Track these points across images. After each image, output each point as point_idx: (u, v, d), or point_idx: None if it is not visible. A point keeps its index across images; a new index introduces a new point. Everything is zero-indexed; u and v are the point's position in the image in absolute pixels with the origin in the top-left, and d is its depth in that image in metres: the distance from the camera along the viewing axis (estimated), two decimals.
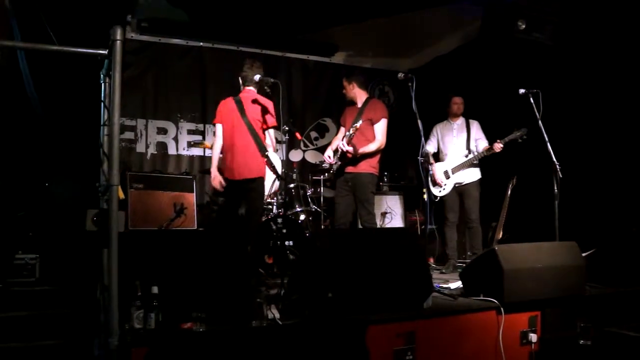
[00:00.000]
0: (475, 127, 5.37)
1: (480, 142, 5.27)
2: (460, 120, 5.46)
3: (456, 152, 5.38)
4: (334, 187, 5.44)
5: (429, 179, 5.43)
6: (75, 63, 5.06)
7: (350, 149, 4.79)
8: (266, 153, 4.54)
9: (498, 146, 5.02)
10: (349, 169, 4.93)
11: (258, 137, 4.52)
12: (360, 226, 5.07)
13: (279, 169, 4.80)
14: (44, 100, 5.37)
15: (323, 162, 6.84)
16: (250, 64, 4.64)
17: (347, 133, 4.84)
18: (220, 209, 4.85)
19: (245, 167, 4.46)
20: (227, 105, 4.61)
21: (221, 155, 4.61)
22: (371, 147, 4.86)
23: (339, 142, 4.91)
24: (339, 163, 4.98)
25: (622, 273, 4.18)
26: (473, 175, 5.29)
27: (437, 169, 5.39)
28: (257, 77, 5.02)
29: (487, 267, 3.58)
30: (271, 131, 4.60)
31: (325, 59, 7.49)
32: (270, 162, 4.64)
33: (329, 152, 5.13)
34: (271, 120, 4.57)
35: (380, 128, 4.92)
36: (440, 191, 5.34)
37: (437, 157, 5.54)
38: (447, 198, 5.35)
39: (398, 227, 6.40)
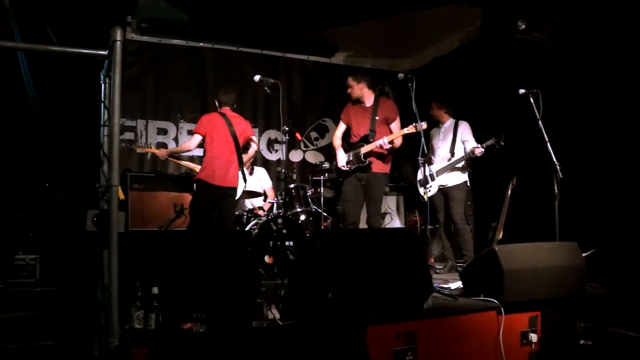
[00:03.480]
0: (462, 128, 5.37)
1: (467, 144, 5.26)
2: (449, 123, 5.48)
3: (441, 155, 5.44)
4: (335, 187, 5.42)
5: (416, 179, 5.53)
6: (75, 64, 5.08)
7: (388, 145, 4.80)
8: (242, 167, 5.08)
9: (478, 151, 5.05)
10: (363, 170, 4.94)
11: (240, 151, 5.03)
12: (365, 226, 5.07)
13: (243, 185, 5.21)
14: (44, 101, 5.38)
15: (323, 162, 6.89)
16: (224, 90, 5.18)
17: (369, 135, 4.90)
18: (194, 210, 4.99)
19: (227, 176, 4.92)
20: (214, 119, 5.01)
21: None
22: (397, 146, 4.92)
23: (380, 141, 4.80)
24: (357, 165, 4.95)
25: (622, 273, 4.18)
26: (457, 178, 5.32)
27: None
28: (257, 77, 5.09)
29: (487, 268, 3.58)
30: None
31: (326, 59, 7.48)
32: (244, 175, 5.12)
33: (342, 157, 5.07)
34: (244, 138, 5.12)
35: (397, 126, 4.97)
36: (425, 192, 5.36)
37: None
38: (435, 200, 5.40)
39: (398, 228, 6.40)
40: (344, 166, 5.02)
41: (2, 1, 4.76)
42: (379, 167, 4.95)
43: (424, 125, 4.72)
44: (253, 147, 5.22)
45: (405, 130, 4.81)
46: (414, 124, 4.73)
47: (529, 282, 3.53)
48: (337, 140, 5.24)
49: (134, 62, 6.41)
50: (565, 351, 3.48)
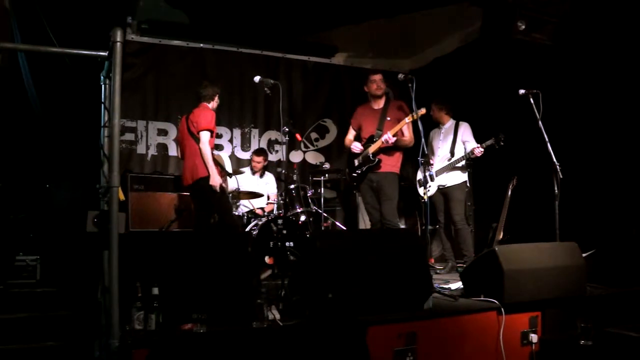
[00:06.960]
0: (462, 129, 5.38)
1: (468, 145, 5.27)
2: (449, 124, 5.49)
3: (441, 156, 5.44)
4: (336, 188, 5.37)
5: (416, 179, 5.56)
6: (75, 65, 5.08)
7: (393, 139, 4.81)
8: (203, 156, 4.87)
9: (478, 151, 5.06)
10: (373, 170, 4.99)
11: (196, 142, 4.85)
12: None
13: (228, 167, 5.28)
14: (44, 101, 5.38)
15: (323, 163, 6.89)
16: (205, 85, 5.11)
17: (375, 135, 4.96)
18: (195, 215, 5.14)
19: (185, 173, 4.97)
20: (180, 125, 5.16)
21: None
22: (406, 141, 4.99)
23: (385, 136, 4.83)
24: (368, 165, 5.00)
25: (622, 273, 4.18)
26: (456, 178, 5.33)
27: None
28: (257, 78, 5.07)
29: (487, 268, 3.58)
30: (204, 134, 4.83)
31: (326, 60, 7.49)
32: (218, 163, 5.08)
33: (356, 144, 5.11)
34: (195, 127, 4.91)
35: (408, 127, 4.99)
36: (425, 193, 5.36)
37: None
38: (435, 200, 5.41)
39: (398, 228, 6.39)
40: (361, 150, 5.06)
41: (3, 2, 4.75)
42: (388, 167, 4.97)
43: (422, 110, 4.73)
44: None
45: (406, 120, 4.85)
46: (411, 113, 4.78)
47: (529, 283, 3.53)
48: (348, 141, 5.28)
49: (134, 63, 6.42)
50: (565, 351, 3.47)
